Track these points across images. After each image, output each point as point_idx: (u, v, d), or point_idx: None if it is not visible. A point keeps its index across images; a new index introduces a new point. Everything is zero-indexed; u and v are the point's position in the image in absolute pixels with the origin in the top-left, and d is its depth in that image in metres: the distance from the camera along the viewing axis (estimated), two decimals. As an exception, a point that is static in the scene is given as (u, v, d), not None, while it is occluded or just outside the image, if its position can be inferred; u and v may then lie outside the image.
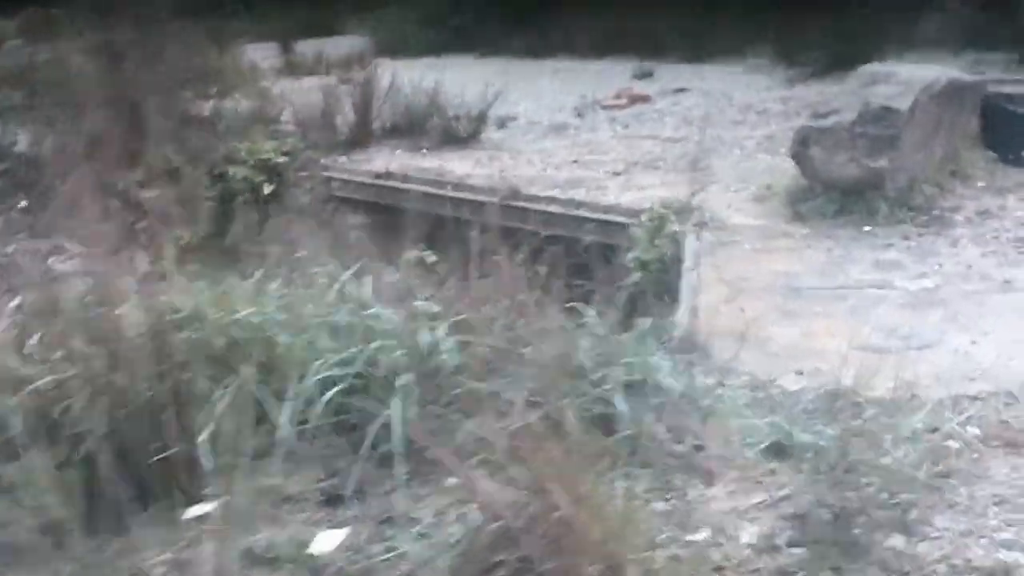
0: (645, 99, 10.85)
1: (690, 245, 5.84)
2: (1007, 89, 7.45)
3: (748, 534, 2.45)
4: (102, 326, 2.80)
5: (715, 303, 4.87)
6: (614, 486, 2.54)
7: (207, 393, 2.76)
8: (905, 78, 6.07)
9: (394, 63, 14.01)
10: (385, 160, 9.06)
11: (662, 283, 5.78)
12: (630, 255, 6.02)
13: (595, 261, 4.76)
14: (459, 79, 10.69)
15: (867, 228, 5.85)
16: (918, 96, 5.92)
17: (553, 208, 7.21)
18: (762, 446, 2.99)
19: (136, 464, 2.59)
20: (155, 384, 2.64)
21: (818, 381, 3.69)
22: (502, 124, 10.04)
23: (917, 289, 4.93)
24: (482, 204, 7.20)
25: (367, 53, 15.51)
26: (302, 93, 10.40)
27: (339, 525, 2.53)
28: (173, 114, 9.69)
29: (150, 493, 2.59)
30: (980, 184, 6.45)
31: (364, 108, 9.75)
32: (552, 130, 9.83)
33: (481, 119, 9.58)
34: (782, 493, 2.72)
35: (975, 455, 3.01)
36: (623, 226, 6.54)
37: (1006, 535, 2.47)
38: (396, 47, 16.06)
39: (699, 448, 2.92)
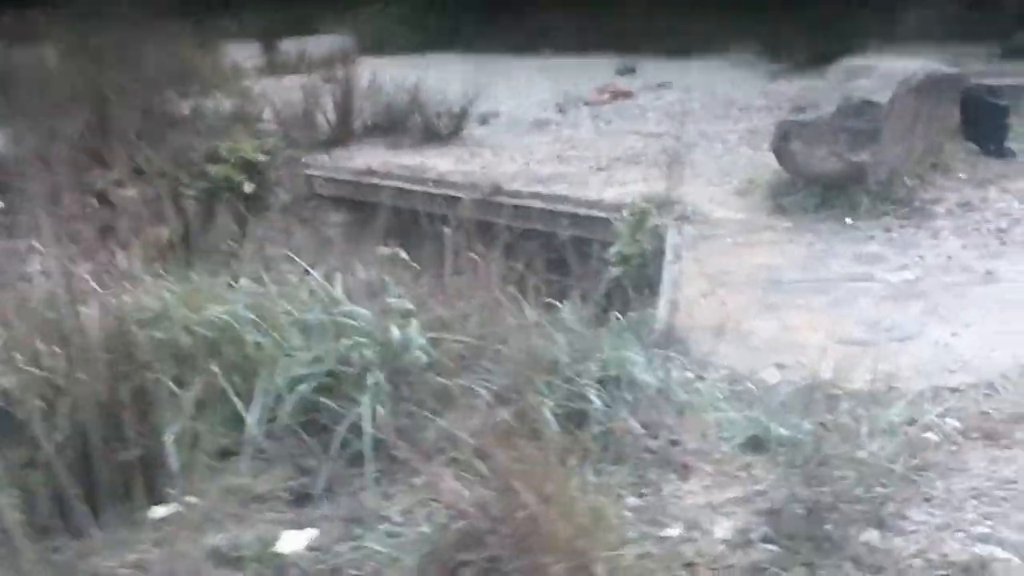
0: (628, 95, 10.83)
1: (671, 239, 5.81)
2: (988, 81, 7.45)
3: (722, 529, 2.41)
4: (67, 326, 2.75)
5: (696, 297, 4.85)
6: (586, 482, 2.51)
7: (174, 392, 2.72)
8: (885, 72, 6.05)
9: (377, 61, 13.96)
10: (367, 158, 9.00)
11: (644, 277, 5.75)
12: (612, 249, 6.00)
13: (576, 256, 4.74)
14: (441, 76, 10.64)
15: (849, 221, 5.83)
16: (898, 89, 5.90)
17: (534, 203, 7.17)
18: (738, 440, 2.97)
19: (100, 464, 2.54)
20: (119, 384, 2.59)
21: (798, 374, 3.65)
22: (484, 121, 10.00)
23: (898, 281, 4.90)
24: (463, 200, 7.15)
25: (350, 52, 15.43)
26: (284, 92, 10.33)
27: (307, 524, 2.49)
28: (153, 113, 9.62)
29: (115, 494, 2.54)
30: (961, 176, 6.43)
31: (345, 106, 9.68)
32: (534, 126, 9.79)
33: (463, 116, 9.53)
34: (757, 487, 2.69)
35: (953, 447, 2.99)
36: (605, 221, 6.51)
37: (982, 529, 2.44)
38: (379, 45, 16.00)
39: (674, 443, 2.90)
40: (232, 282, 3.20)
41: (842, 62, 6.47)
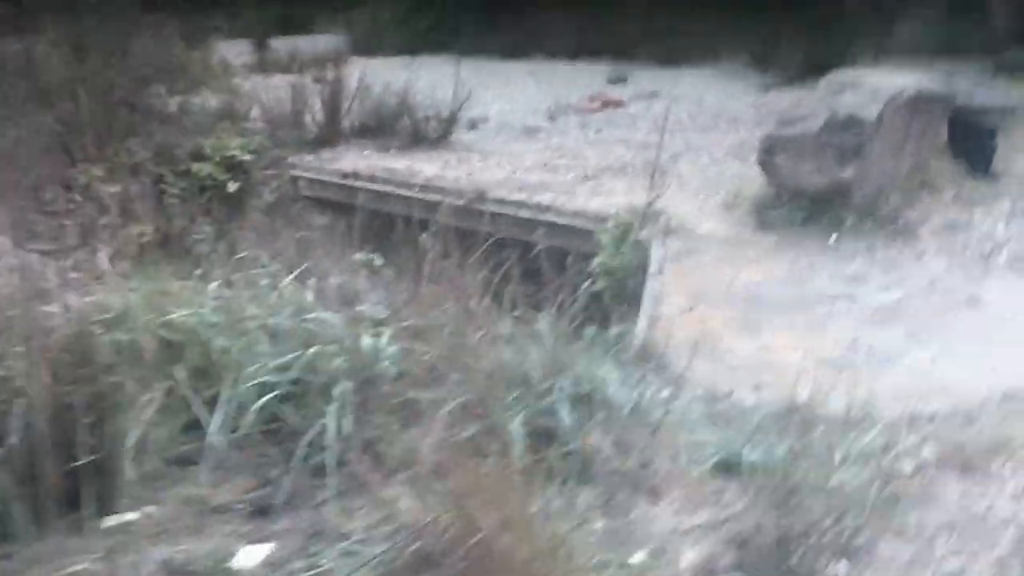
0: (618, 103, 10.79)
1: (655, 252, 5.76)
2: (978, 100, 7.42)
3: (687, 558, 2.37)
4: (27, 326, 2.69)
5: (677, 312, 4.80)
6: (551, 503, 2.46)
7: (135, 397, 2.66)
8: (873, 87, 6.02)
9: (369, 62, 13.91)
10: (353, 160, 8.93)
11: (626, 290, 5.71)
12: (595, 261, 5.95)
13: (557, 267, 4.68)
14: (432, 79, 10.57)
15: (833, 238, 5.79)
16: (885, 105, 5.86)
17: (518, 212, 7.11)
18: (710, 463, 2.92)
19: (56, 470, 2.48)
20: (78, 387, 2.52)
21: (775, 395, 3.61)
22: (473, 126, 9.95)
23: (880, 302, 4.87)
24: (442, 206, 7.10)
25: (342, 52, 15.37)
26: (273, 91, 10.25)
27: (265, 539, 2.43)
28: (139, 108, 9.54)
29: (67, 501, 2.47)
30: (947, 196, 6.40)
31: (333, 107, 9.61)
32: (523, 133, 9.74)
33: (452, 120, 9.47)
34: (727, 513, 2.64)
35: (927, 478, 2.94)
36: (588, 232, 6.46)
37: (952, 565, 2.40)
38: (372, 46, 15.94)
39: (645, 464, 2.84)
40: (201, 284, 3.14)
41: (830, 76, 6.43)
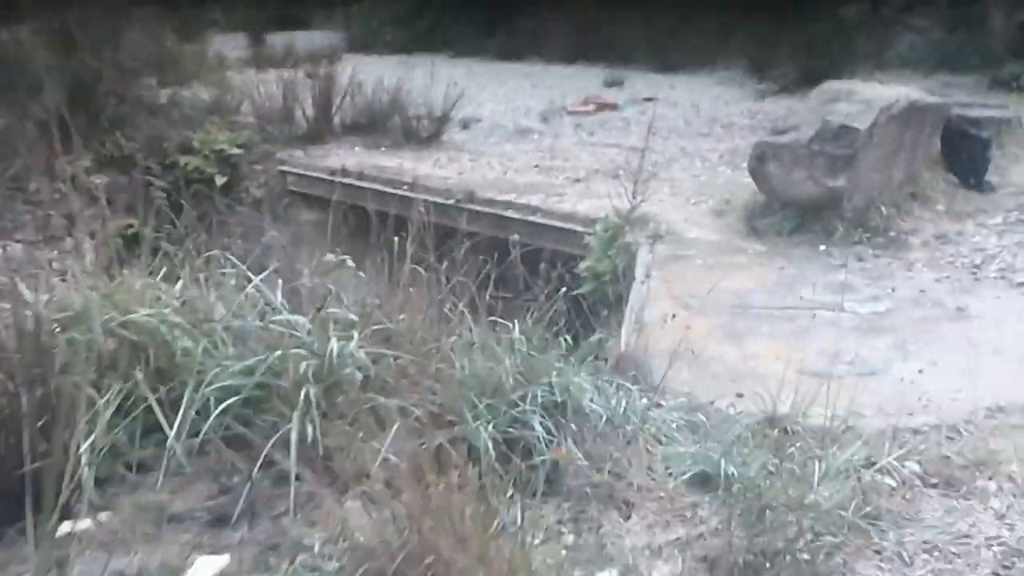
0: (612, 107, 10.72)
1: (642, 257, 5.69)
2: (971, 112, 7.36)
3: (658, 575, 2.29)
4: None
5: (662, 319, 4.71)
6: (520, 518, 2.38)
7: (92, 399, 2.57)
8: (866, 97, 5.95)
9: (365, 59, 13.87)
10: (343, 156, 8.86)
11: (613, 294, 5.63)
12: (583, 264, 5.87)
13: (543, 269, 4.60)
14: (427, 78, 10.49)
15: (822, 247, 5.73)
16: (878, 116, 5.79)
17: (507, 213, 7.04)
18: (686, 476, 2.84)
19: (6, 474, 2.39)
20: (31, 389, 2.44)
21: (757, 406, 3.52)
22: (466, 125, 9.89)
23: (867, 313, 4.79)
24: (430, 205, 7.01)
25: (338, 48, 15.32)
26: (266, 85, 10.17)
27: (222, 549, 2.35)
28: (128, 100, 9.45)
29: (19, 507, 2.38)
30: (939, 208, 6.34)
31: (325, 103, 9.55)
32: (516, 134, 9.68)
33: (444, 119, 9.41)
34: (701, 529, 2.57)
35: (908, 495, 2.86)
36: (577, 234, 6.39)
37: (930, 587, 2.33)
38: (368, 43, 15.90)
39: (619, 476, 2.77)
40: (166, 283, 3.04)
41: (823, 85, 6.36)
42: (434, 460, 2.25)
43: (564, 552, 2.39)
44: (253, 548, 2.34)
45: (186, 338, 2.79)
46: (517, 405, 2.79)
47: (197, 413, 2.64)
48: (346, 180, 8.07)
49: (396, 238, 3.63)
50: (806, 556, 2.39)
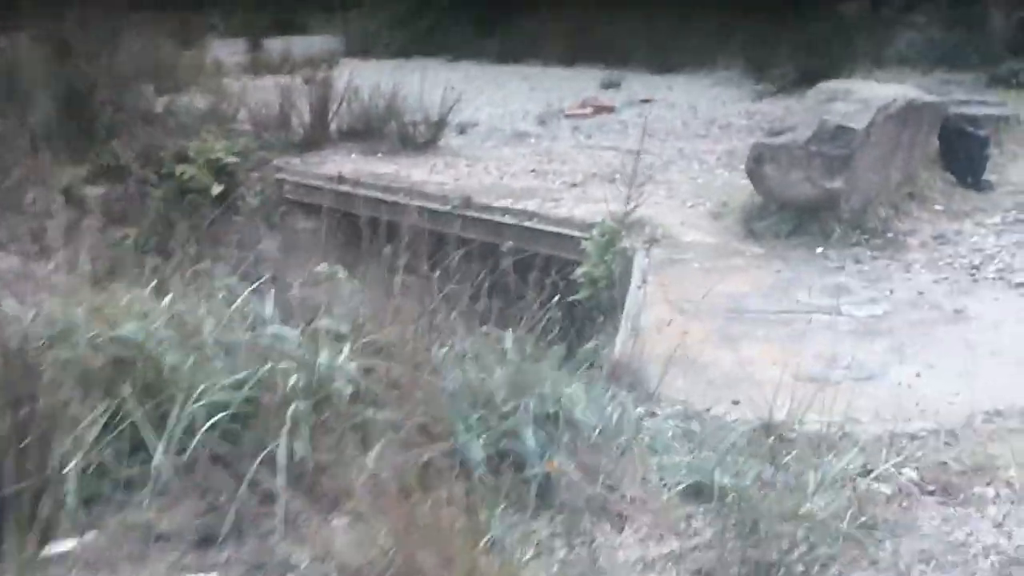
0: (610, 109, 10.70)
1: (638, 262, 5.66)
2: (970, 111, 7.33)
3: (650, 590, 2.26)
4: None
5: (658, 324, 4.70)
6: (511, 532, 2.36)
7: (78, 417, 2.55)
8: (863, 97, 5.91)
9: (363, 64, 13.86)
10: (340, 163, 8.84)
11: (610, 300, 5.61)
12: (579, 270, 5.85)
13: (539, 275, 4.58)
14: (425, 82, 10.47)
15: (820, 250, 5.69)
16: (875, 116, 5.76)
17: (504, 219, 7.02)
18: (680, 487, 2.81)
19: (-8, 495, 2.37)
20: (15, 407, 2.41)
21: (753, 412, 3.50)
22: (462, 130, 9.86)
23: (865, 316, 4.76)
24: (423, 211, 7.01)
25: (336, 53, 15.31)
26: (263, 92, 10.16)
27: (208, 569, 2.32)
28: (124, 109, 9.44)
29: (4, 528, 2.36)
30: (937, 207, 6.31)
31: (321, 109, 9.52)
32: (513, 138, 9.65)
33: (440, 124, 9.38)
34: (695, 542, 2.53)
35: (905, 503, 2.83)
36: (574, 239, 6.36)
37: (927, 599, 2.30)
38: (366, 48, 15.89)
39: (612, 488, 2.74)
40: (154, 296, 3.02)
41: (820, 85, 6.33)
42: (423, 474, 2.23)
43: (556, 567, 2.36)
44: (240, 568, 2.31)
45: (174, 353, 2.76)
46: (509, 417, 2.76)
47: (185, 430, 2.61)
48: (341, 188, 8.05)
49: (388, 247, 3.62)
50: (801, 568, 2.37)
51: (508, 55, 14.69)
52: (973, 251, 5.61)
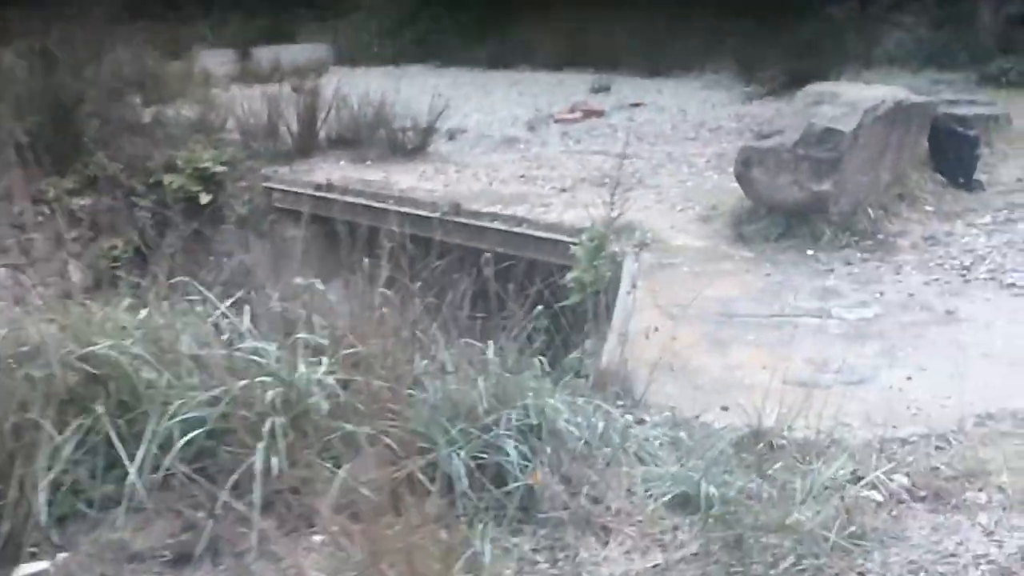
0: (599, 113, 10.66)
1: (627, 267, 5.62)
2: (959, 110, 7.30)
3: (633, 606, 2.21)
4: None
5: (647, 330, 4.64)
6: (493, 547, 2.32)
7: (51, 436, 2.50)
8: (850, 99, 5.88)
9: (352, 72, 13.81)
10: (329, 171, 8.79)
11: (599, 305, 5.56)
12: (569, 276, 5.80)
13: (527, 282, 4.53)
14: (414, 89, 10.43)
15: (810, 252, 5.66)
16: (863, 118, 5.73)
17: (494, 225, 6.97)
18: (667, 498, 2.76)
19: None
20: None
21: (742, 419, 3.45)
22: (452, 136, 9.82)
23: (855, 319, 4.72)
24: (422, 219, 6.99)
25: (326, 61, 15.26)
26: (251, 101, 10.11)
27: (183, 590, 2.28)
28: (111, 120, 9.38)
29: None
30: (927, 208, 6.27)
31: (309, 118, 9.47)
32: (502, 143, 9.61)
33: (429, 131, 9.33)
34: (681, 554, 2.49)
35: (894, 512, 2.78)
36: (563, 244, 6.32)
37: (914, 612, 2.25)
38: (355, 56, 15.83)
39: (596, 501, 2.69)
40: (129, 312, 2.97)
41: (807, 88, 6.29)
42: (402, 490, 2.19)
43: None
44: (215, 588, 2.27)
45: (149, 369, 2.72)
46: (491, 429, 2.72)
47: (160, 447, 2.57)
48: (329, 195, 8.01)
49: (366, 258, 3.57)
50: (789, 580, 2.32)
51: (498, 61, 14.65)
52: (964, 252, 5.57)
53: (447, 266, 4.10)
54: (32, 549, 2.37)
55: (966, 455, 3.29)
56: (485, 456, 2.66)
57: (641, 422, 3.57)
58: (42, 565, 2.35)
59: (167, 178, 8.68)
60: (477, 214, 7.16)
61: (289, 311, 3.18)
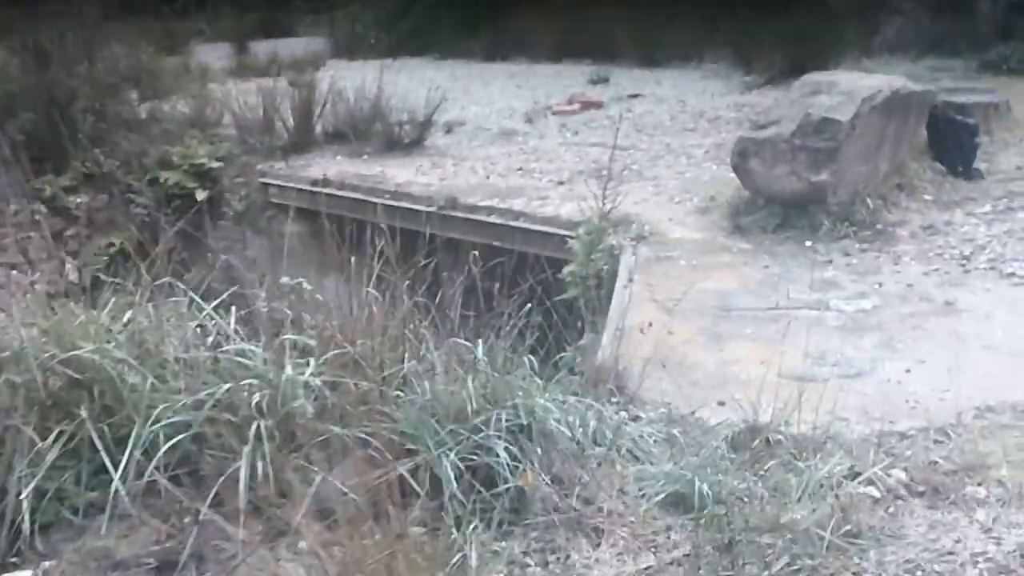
0: (597, 105, 10.60)
1: (624, 261, 5.57)
2: (958, 99, 7.23)
3: (624, 610, 2.18)
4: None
5: (643, 324, 4.60)
6: (483, 550, 2.28)
7: (33, 442, 2.47)
8: (848, 88, 5.82)
9: (349, 65, 13.76)
10: (325, 166, 8.74)
11: (597, 299, 5.51)
12: (566, 269, 5.75)
13: (524, 275, 4.48)
14: (411, 81, 10.38)
15: (808, 243, 5.60)
16: (860, 107, 5.66)
17: (491, 218, 6.93)
18: (660, 497, 2.73)
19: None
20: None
21: (739, 414, 3.41)
22: (449, 129, 9.76)
23: (853, 311, 4.67)
24: (417, 214, 6.93)
25: (323, 55, 15.21)
26: (247, 95, 10.05)
27: (166, 598, 2.24)
28: (106, 116, 9.34)
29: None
30: (927, 198, 6.21)
31: (306, 112, 9.41)
32: (500, 136, 9.54)
33: (426, 124, 9.28)
34: (673, 555, 2.45)
35: (891, 508, 2.74)
36: (560, 237, 6.27)
37: (910, 614, 2.21)
38: (352, 49, 15.78)
39: (588, 502, 2.66)
40: (113, 315, 2.93)
41: (804, 78, 6.22)
42: (384, 496, 2.15)
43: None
44: (198, 596, 2.24)
45: (133, 373, 2.68)
46: (480, 430, 2.68)
47: (145, 452, 2.53)
48: (325, 190, 7.97)
49: (361, 255, 3.52)
50: (783, 581, 2.29)
51: (495, 53, 14.60)
52: (964, 241, 5.51)
53: (442, 262, 4.07)
54: (14, 559, 2.34)
55: (965, 449, 3.25)
56: (475, 458, 2.63)
57: (635, 419, 3.53)
58: (25, 574, 2.32)
59: (163, 174, 8.64)
60: (474, 208, 7.11)
61: (276, 311, 3.14)
